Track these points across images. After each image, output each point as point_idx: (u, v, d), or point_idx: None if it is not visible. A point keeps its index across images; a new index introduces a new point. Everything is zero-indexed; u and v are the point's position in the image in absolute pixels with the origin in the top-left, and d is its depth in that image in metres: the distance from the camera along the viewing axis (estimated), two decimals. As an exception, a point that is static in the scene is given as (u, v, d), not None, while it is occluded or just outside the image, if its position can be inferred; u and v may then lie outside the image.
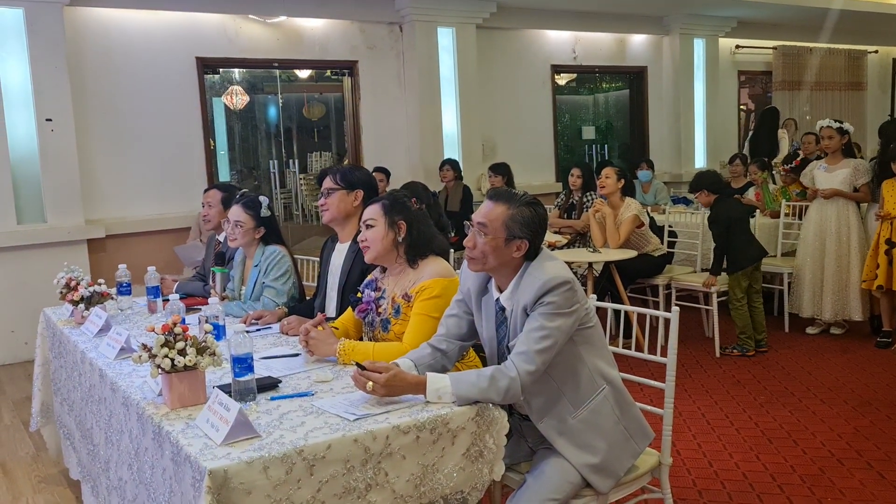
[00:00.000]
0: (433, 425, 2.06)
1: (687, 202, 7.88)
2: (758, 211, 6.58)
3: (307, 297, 3.61)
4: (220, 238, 4.06)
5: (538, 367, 2.19)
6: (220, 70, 7.71)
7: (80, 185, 6.23)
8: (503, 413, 2.19)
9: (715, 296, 5.34)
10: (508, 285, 2.32)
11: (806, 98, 11.28)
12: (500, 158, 7.94)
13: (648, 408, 2.62)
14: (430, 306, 2.60)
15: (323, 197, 3.21)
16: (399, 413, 2.07)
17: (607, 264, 5.34)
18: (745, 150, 9.00)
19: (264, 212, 3.55)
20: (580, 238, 6.12)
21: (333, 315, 3.13)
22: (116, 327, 2.93)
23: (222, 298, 3.60)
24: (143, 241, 6.62)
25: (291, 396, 2.25)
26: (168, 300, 2.95)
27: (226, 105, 8.83)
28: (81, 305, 3.30)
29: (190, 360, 2.14)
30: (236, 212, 3.54)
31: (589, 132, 10.61)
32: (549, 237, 6.14)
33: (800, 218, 6.12)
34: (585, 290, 4.41)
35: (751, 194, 6.86)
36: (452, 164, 7.50)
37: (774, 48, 10.94)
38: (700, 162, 10.05)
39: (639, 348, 2.80)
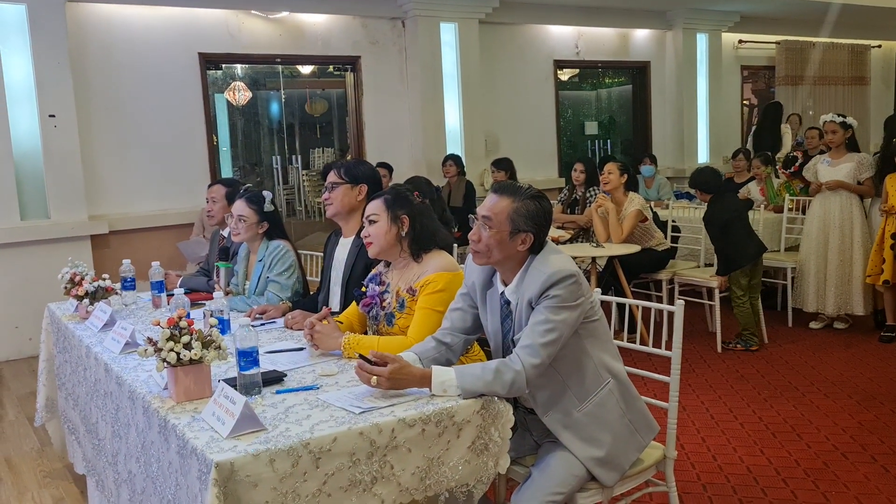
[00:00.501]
0: (438, 418, 2.06)
1: (690, 197, 7.87)
2: (761, 206, 6.57)
3: (311, 293, 3.62)
4: (225, 233, 4.07)
5: (543, 361, 2.19)
6: (223, 66, 7.71)
7: (83, 181, 6.24)
8: (508, 406, 2.19)
9: (717, 291, 5.34)
10: (513, 279, 2.32)
11: (809, 93, 11.25)
12: (502, 154, 7.93)
13: (653, 401, 2.61)
14: (434, 300, 2.60)
15: (327, 191, 3.21)
16: (404, 406, 2.08)
17: (611, 259, 5.33)
18: (749, 145, 8.98)
19: (268, 206, 3.55)
20: (583, 233, 6.12)
21: (337, 310, 3.14)
22: (121, 322, 2.93)
23: (226, 293, 3.60)
24: (146, 237, 6.62)
25: (297, 390, 2.25)
26: (172, 295, 2.95)
27: (228, 101, 8.82)
28: (86, 300, 3.30)
29: (195, 354, 2.14)
30: (240, 206, 3.54)
31: (592, 127, 10.60)
32: (552, 232, 6.13)
33: (803, 212, 6.12)
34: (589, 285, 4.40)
35: (754, 189, 6.85)
36: (455, 159, 7.50)
37: (777, 43, 10.91)
38: (703, 157, 10.04)
39: (643, 343, 2.79)
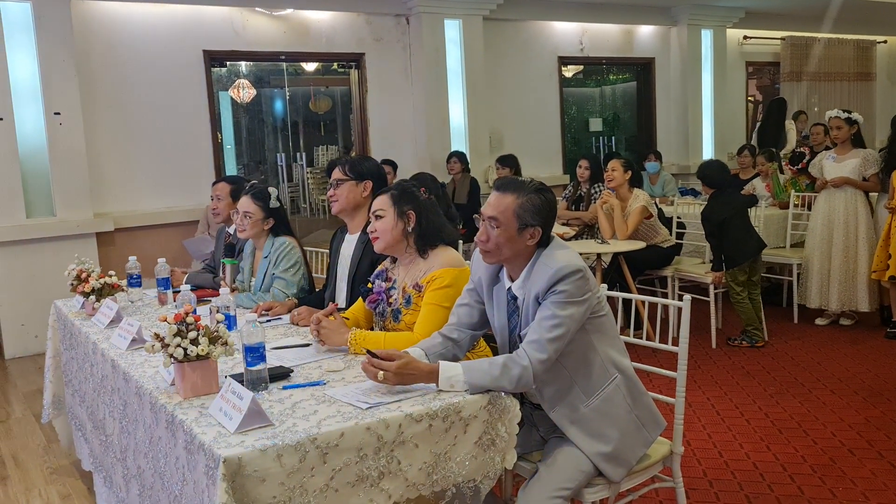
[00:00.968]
0: (445, 414, 2.06)
1: (695, 193, 7.86)
2: (763, 201, 6.56)
3: (316, 289, 3.62)
4: (231, 230, 4.07)
5: (550, 356, 2.18)
6: (227, 63, 7.71)
7: (88, 179, 6.25)
8: (515, 402, 2.19)
9: (712, 288, 5.33)
10: (520, 274, 2.32)
11: (814, 89, 11.22)
12: (507, 150, 7.93)
13: (659, 397, 2.61)
14: (440, 296, 2.60)
15: (332, 188, 3.20)
16: (411, 401, 2.08)
17: (616, 256, 5.33)
18: (753, 142, 8.97)
19: (273, 203, 3.56)
20: (588, 230, 6.11)
21: (344, 306, 3.14)
22: (128, 318, 2.94)
23: (232, 290, 3.61)
24: (152, 235, 6.64)
25: (303, 386, 2.26)
26: (178, 292, 2.95)
27: (232, 98, 8.83)
28: (92, 297, 3.31)
29: (202, 350, 2.14)
30: (245, 202, 3.55)
31: (596, 124, 10.58)
32: (558, 229, 6.13)
33: (809, 208, 6.10)
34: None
35: (759, 185, 6.83)
36: (460, 156, 7.50)
37: (783, 39, 10.89)
38: (708, 153, 10.02)
39: (649, 339, 2.79)
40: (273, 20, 7.25)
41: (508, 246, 2.26)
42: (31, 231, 6.02)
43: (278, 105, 9.60)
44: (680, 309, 2.54)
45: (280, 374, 2.34)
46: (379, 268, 2.90)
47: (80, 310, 3.49)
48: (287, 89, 9.03)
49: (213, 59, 7.06)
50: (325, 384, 2.27)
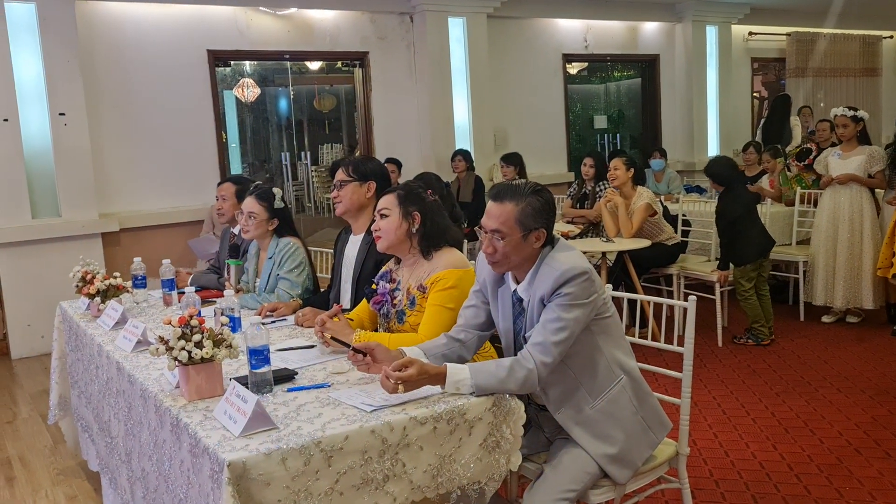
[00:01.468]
0: (450, 416, 2.06)
1: (700, 191, 7.84)
2: (769, 199, 6.53)
3: (321, 290, 3.62)
4: (235, 231, 4.07)
5: (555, 359, 2.18)
6: (231, 63, 7.71)
7: (93, 180, 6.26)
8: (520, 403, 2.19)
9: (718, 286, 5.31)
10: (525, 276, 2.31)
11: (820, 85, 11.17)
12: (511, 148, 7.91)
13: (665, 397, 2.60)
14: (445, 297, 2.59)
15: (336, 189, 3.20)
16: (416, 404, 2.07)
17: (621, 254, 5.32)
18: (758, 138, 8.93)
19: (277, 203, 3.55)
20: (593, 228, 6.10)
21: (348, 307, 3.13)
22: (133, 320, 2.94)
23: (237, 291, 3.61)
24: (157, 235, 6.65)
25: (308, 388, 2.26)
26: (183, 293, 2.95)
27: (237, 98, 8.83)
28: (97, 299, 3.31)
29: (207, 353, 2.14)
30: (250, 203, 3.55)
31: (601, 121, 10.56)
32: (562, 227, 6.12)
33: (814, 206, 6.08)
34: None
35: (765, 182, 6.81)
36: (464, 154, 7.48)
37: (788, 35, 10.84)
38: (713, 150, 9.98)
39: (654, 338, 2.78)
40: (277, 19, 7.25)
41: (516, 253, 2.26)
42: (37, 232, 6.04)
43: (283, 104, 9.59)
44: (685, 309, 2.53)
45: (285, 377, 2.34)
46: (383, 269, 2.89)
47: (85, 311, 3.50)
48: (291, 88, 9.02)
49: (218, 58, 7.06)
50: (329, 386, 2.27)
